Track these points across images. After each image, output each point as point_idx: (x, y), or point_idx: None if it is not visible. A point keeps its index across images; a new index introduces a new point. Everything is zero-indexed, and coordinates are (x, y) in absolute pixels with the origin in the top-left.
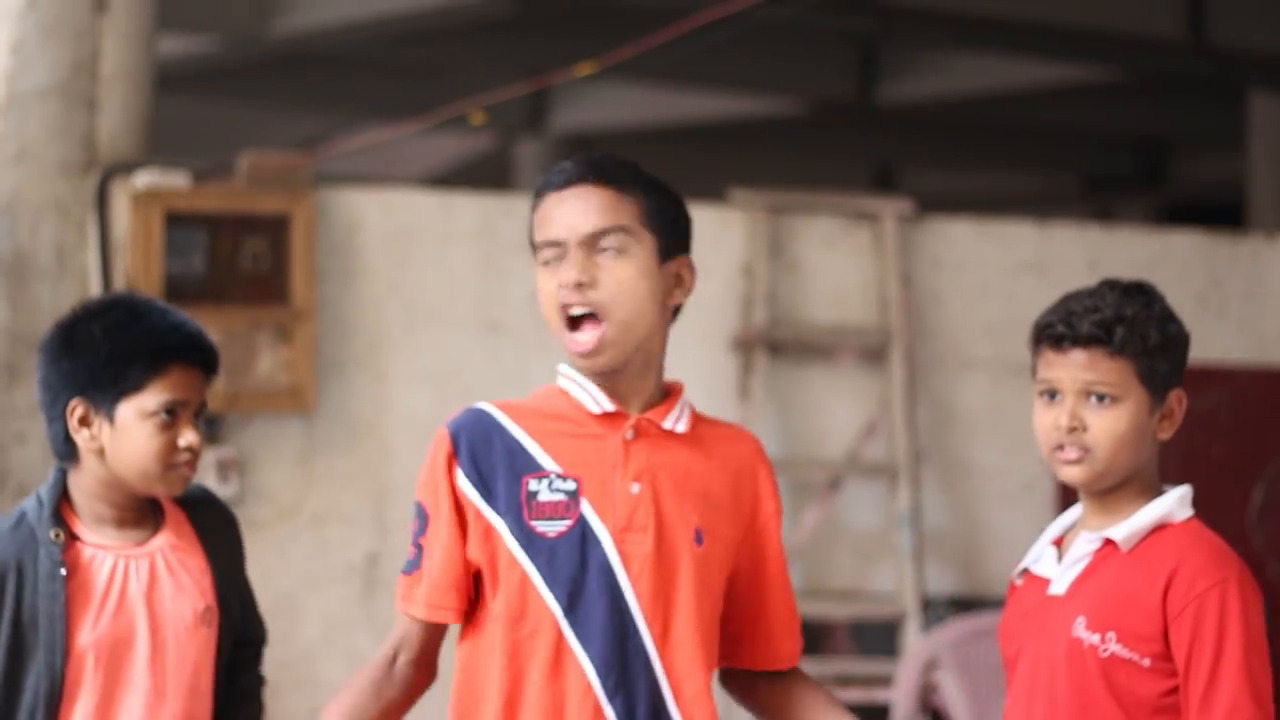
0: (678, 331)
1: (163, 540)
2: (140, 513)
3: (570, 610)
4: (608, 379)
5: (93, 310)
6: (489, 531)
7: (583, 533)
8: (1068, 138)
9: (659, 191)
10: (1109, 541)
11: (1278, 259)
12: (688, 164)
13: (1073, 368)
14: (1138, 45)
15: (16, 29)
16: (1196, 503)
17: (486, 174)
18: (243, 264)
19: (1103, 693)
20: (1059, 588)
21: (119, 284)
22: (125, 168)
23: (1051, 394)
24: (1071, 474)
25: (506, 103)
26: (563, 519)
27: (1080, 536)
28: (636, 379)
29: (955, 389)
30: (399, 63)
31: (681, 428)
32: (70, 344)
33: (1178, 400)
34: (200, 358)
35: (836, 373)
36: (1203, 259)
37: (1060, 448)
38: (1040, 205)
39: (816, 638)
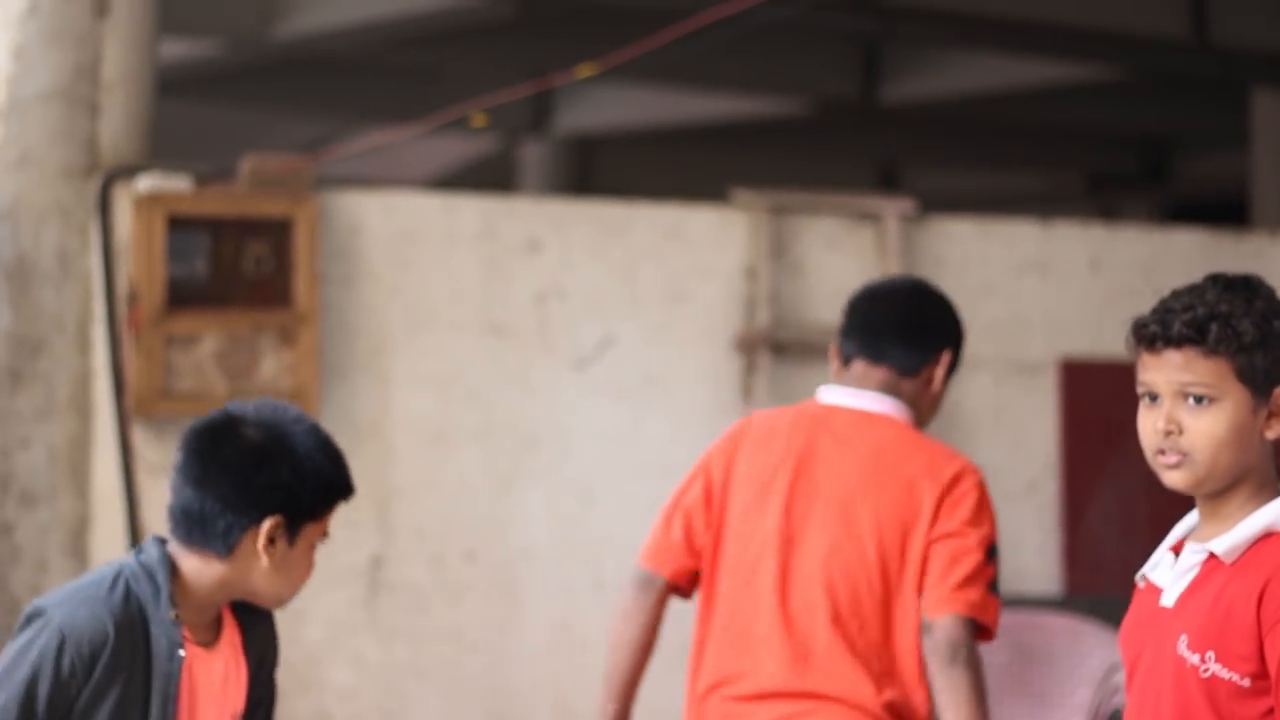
0: (680, 332)
1: (224, 643)
2: (218, 614)
3: None
4: None
5: (296, 428)
6: None
7: None
8: (1071, 137)
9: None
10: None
11: None
12: (690, 165)
13: (1168, 369)
14: (1141, 44)
15: (18, 34)
16: None
17: (489, 176)
18: (245, 267)
19: (1207, 714)
20: (1169, 599)
21: (122, 288)
22: (127, 172)
23: (1151, 396)
24: (1173, 479)
25: (509, 105)
26: None
27: (1187, 546)
28: None
29: (958, 388)
30: (401, 66)
31: None
32: (283, 457)
33: None
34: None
35: None
36: (1206, 258)
37: (1161, 452)
38: (1043, 204)
39: None
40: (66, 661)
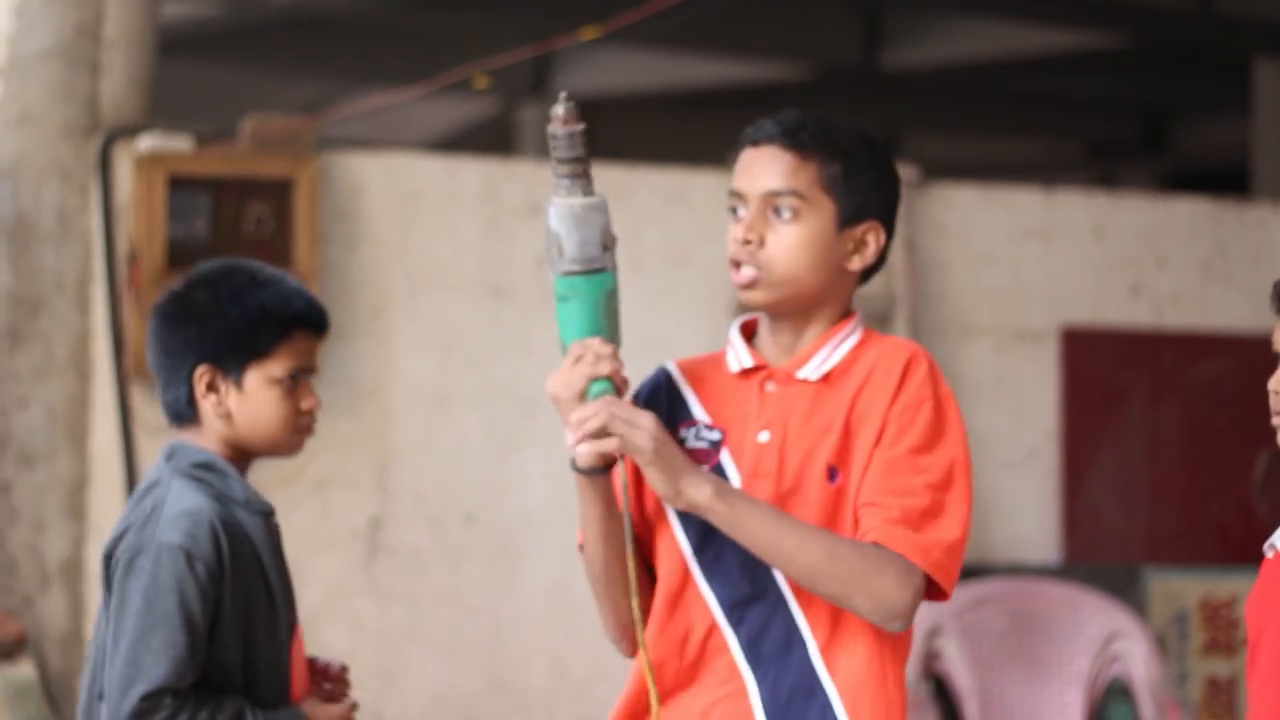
0: (680, 296)
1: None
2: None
3: (699, 550)
4: (768, 326)
5: (212, 277)
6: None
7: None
8: (1072, 104)
9: (853, 157)
10: None
11: None
12: (691, 129)
13: None
14: (1143, 12)
15: None
16: (1200, 470)
17: (490, 139)
18: (246, 228)
19: None
20: None
21: (122, 248)
22: (128, 131)
23: None
24: None
25: (510, 67)
26: (701, 465)
27: None
28: (791, 331)
29: (959, 356)
30: (403, 27)
31: (817, 374)
32: (193, 310)
33: None
34: (321, 323)
35: None
36: (1209, 226)
37: None
38: (1044, 172)
39: None
40: (202, 574)
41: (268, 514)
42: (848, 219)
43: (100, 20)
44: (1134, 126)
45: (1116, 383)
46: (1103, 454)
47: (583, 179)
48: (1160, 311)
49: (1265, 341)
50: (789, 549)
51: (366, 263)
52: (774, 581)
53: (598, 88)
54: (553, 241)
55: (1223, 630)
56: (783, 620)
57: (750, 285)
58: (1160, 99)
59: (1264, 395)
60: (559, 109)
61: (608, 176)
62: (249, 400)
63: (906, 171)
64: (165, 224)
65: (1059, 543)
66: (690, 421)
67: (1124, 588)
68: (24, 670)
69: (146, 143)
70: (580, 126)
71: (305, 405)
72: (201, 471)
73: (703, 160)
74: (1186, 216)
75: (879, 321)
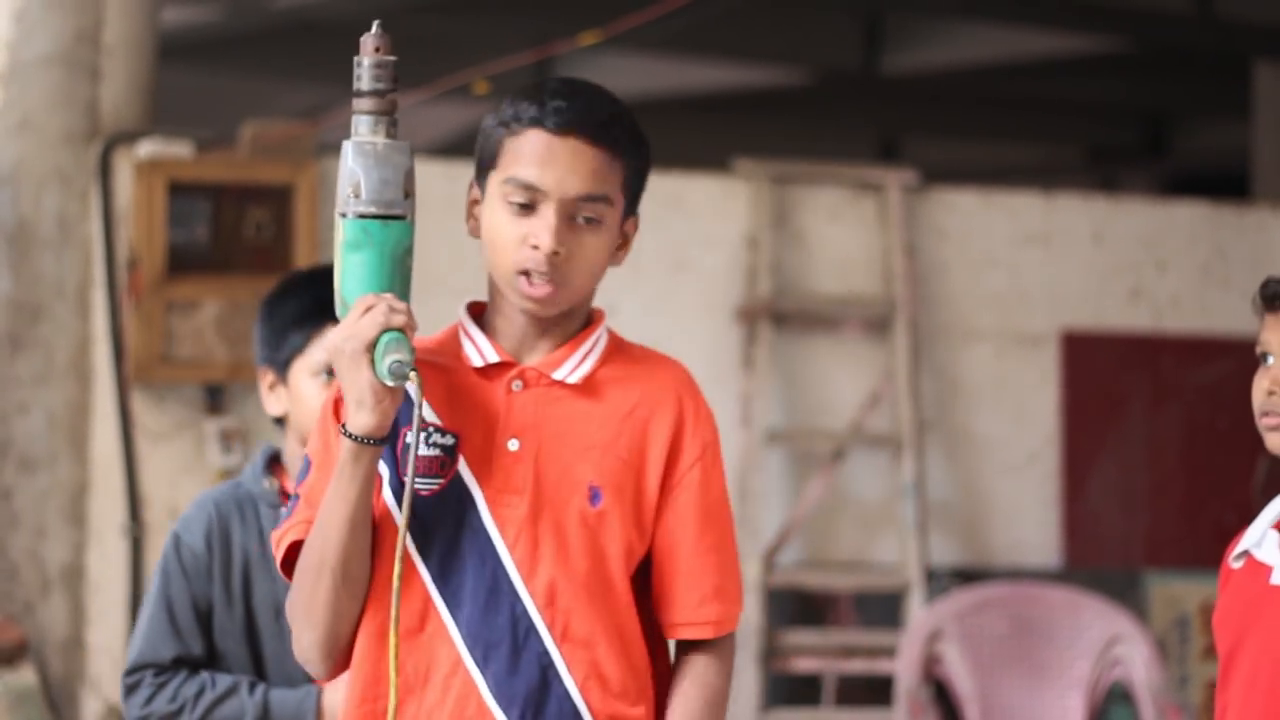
0: (681, 302)
1: None
2: None
3: (441, 577)
4: (505, 314)
5: (279, 282)
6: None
7: (457, 494)
8: (1072, 109)
9: (640, 148)
10: None
11: None
12: (692, 134)
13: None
14: (1143, 16)
15: None
16: (1201, 473)
17: None
18: (246, 233)
19: None
20: None
21: (122, 254)
22: (128, 137)
23: (1266, 357)
24: (1274, 441)
25: (511, 72)
26: (437, 477)
27: None
28: (534, 325)
29: (959, 360)
30: (402, 32)
31: (575, 378)
32: (260, 316)
33: None
34: None
35: (841, 343)
36: (1208, 230)
37: (1265, 414)
38: (1044, 176)
39: (820, 609)
40: (186, 555)
41: (274, 506)
42: (625, 215)
43: (100, 26)
44: (1134, 130)
45: (1117, 387)
46: (1103, 458)
47: (386, 118)
48: (1160, 315)
49: None
50: None
51: None
52: (525, 612)
53: None
54: (347, 181)
55: None
56: (535, 655)
57: (546, 301)
58: (1160, 103)
59: None
60: (369, 38)
61: None
62: (295, 394)
63: (906, 175)
64: (165, 230)
65: (1060, 546)
66: (420, 424)
67: (1125, 591)
68: (25, 676)
69: (146, 148)
70: (391, 59)
71: None
72: (248, 466)
73: (703, 165)
74: (1186, 220)
75: (879, 327)
